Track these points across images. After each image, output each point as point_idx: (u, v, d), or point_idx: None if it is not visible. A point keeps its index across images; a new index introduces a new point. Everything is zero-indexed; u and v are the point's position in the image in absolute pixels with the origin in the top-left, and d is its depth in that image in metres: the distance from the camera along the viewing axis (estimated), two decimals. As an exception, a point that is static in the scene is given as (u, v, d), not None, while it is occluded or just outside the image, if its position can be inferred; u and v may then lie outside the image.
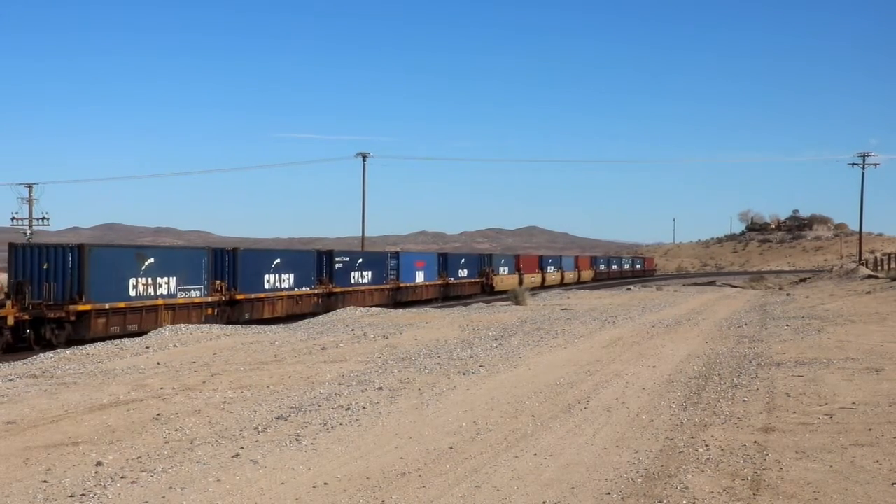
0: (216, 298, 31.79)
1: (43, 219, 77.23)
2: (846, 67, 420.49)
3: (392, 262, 47.49)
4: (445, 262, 55.20)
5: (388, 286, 46.33)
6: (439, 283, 53.66)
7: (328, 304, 39.18)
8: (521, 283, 64.13)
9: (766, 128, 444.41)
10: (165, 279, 29.43)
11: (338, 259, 41.21)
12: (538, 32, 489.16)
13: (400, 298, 46.94)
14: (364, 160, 66.71)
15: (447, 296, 53.75)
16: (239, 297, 33.04)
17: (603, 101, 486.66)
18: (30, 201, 76.50)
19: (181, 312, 30.04)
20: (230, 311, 32.62)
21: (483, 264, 61.53)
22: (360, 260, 44.23)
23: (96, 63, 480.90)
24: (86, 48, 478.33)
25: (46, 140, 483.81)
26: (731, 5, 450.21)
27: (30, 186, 77.00)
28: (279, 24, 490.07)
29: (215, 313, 31.58)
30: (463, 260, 60.00)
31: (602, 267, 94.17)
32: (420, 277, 50.87)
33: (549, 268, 75.54)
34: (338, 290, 40.69)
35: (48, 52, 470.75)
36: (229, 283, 32.71)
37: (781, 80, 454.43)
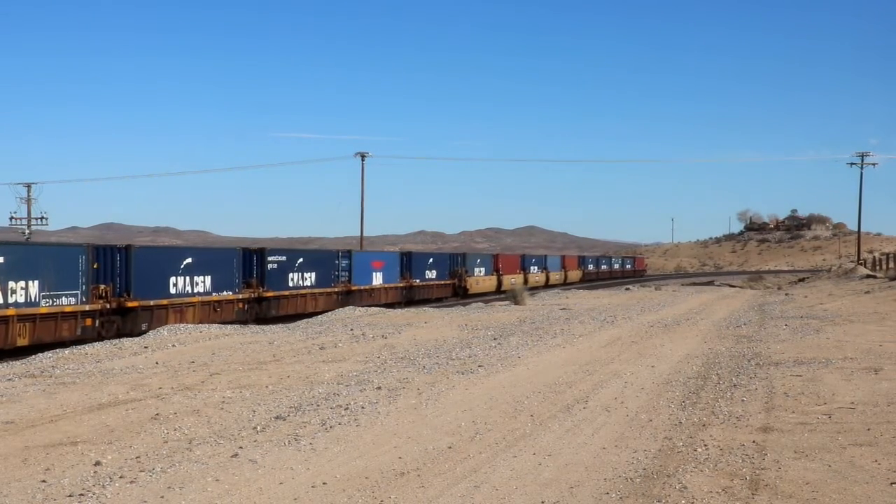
0: (98, 306, 25.24)
1: (42, 218, 77.32)
2: (846, 67, 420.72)
3: (343, 262, 41.85)
4: (409, 263, 49.45)
5: (336, 289, 40.52)
6: (401, 285, 47.88)
7: (258, 310, 33.98)
8: (499, 284, 60.90)
9: (766, 128, 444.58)
10: (22, 283, 22.79)
11: (271, 258, 35.44)
12: (538, 32, 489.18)
13: (351, 303, 40.68)
14: (363, 160, 66.77)
15: (411, 300, 47.99)
16: (131, 304, 26.60)
17: (603, 101, 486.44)
18: (28, 201, 76.54)
19: (43, 325, 23.36)
20: (119, 322, 26.43)
21: (455, 264, 55.86)
22: (301, 259, 38.19)
23: (96, 63, 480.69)
24: (86, 48, 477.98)
25: (45, 140, 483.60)
26: (730, 5, 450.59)
27: (28, 186, 77.10)
28: (279, 24, 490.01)
29: (96, 324, 25.23)
30: (431, 259, 53.93)
31: (591, 267, 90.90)
32: (378, 279, 45.32)
33: (532, 268, 70.93)
34: (270, 294, 34.70)
35: (48, 52, 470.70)
36: (119, 286, 26.48)
37: (781, 80, 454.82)
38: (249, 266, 34.13)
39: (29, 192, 76.72)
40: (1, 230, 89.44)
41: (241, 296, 32.80)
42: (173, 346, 20.35)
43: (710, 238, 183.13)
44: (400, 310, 35.75)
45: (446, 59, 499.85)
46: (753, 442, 9.38)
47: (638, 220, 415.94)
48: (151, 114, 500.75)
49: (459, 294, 54.51)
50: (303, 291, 37.59)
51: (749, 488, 7.68)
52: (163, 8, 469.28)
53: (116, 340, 21.86)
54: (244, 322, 30.41)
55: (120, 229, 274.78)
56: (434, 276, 52.43)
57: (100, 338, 24.49)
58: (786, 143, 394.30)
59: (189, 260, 30.13)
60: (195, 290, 30.01)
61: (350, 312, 32.36)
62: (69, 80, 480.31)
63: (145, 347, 19.99)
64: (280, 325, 27.66)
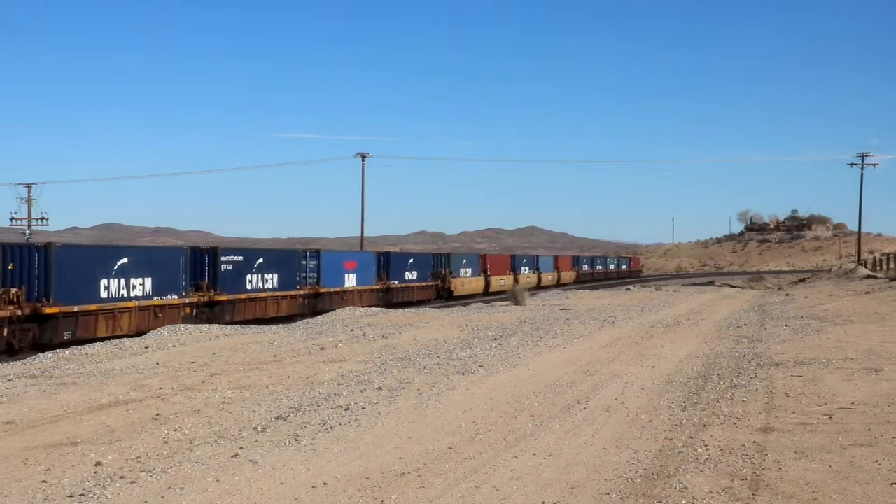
0: (6, 313, 22.25)
1: (42, 219, 77.44)
2: (846, 67, 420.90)
3: (311, 263, 38.65)
4: (387, 263, 46.32)
5: (302, 292, 37.37)
6: (378, 287, 44.77)
7: (209, 315, 30.83)
8: (487, 286, 58.76)
9: (766, 128, 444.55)
10: None
11: (226, 259, 32.17)
12: (539, 32, 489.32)
13: (321, 307, 38.10)
14: (363, 160, 66.78)
15: (389, 303, 44.34)
16: (50, 310, 23.56)
17: (603, 101, 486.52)
18: (29, 201, 76.67)
19: None
20: (36, 330, 23.50)
21: (439, 265, 53.06)
22: (261, 260, 34.81)
23: (96, 63, 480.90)
24: (86, 48, 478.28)
25: (46, 140, 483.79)
26: (730, 5, 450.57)
27: (29, 186, 77.25)
28: (279, 24, 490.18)
29: (5, 332, 22.36)
30: (411, 260, 50.81)
31: (585, 267, 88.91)
32: (350, 281, 42.06)
33: (522, 269, 68.27)
34: (224, 297, 31.53)
35: (48, 52, 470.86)
36: (36, 290, 23.54)
37: (781, 79, 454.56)
38: (200, 267, 31.03)
39: (29, 192, 76.90)
40: (1, 230, 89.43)
41: (188, 300, 29.61)
42: (173, 346, 20.36)
43: (711, 238, 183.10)
44: (401, 310, 35.71)
45: (447, 60, 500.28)
46: (754, 442, 9.38)
47: (638, 221, 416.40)
48: (151, 114, 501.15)
49: (443, 297, 52.03)
50: (262, 295, 34.37)
51: (749, 489, 7.68)
52: (163, 8, 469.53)
53: (117, 341, 21.85)
54: None
55: (120, 229, 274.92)
56: (415, 278, 49.55)
57: (10, 349, 22.31)
58: (786, 143, 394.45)
59: (124, 260, 26.92)
60: (132, 294, 26.90)
61: (350, 312, 32.37)
62: (69, 80, 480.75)
63: (146, 348, 20.00)
64: (280, 326, 27.66)
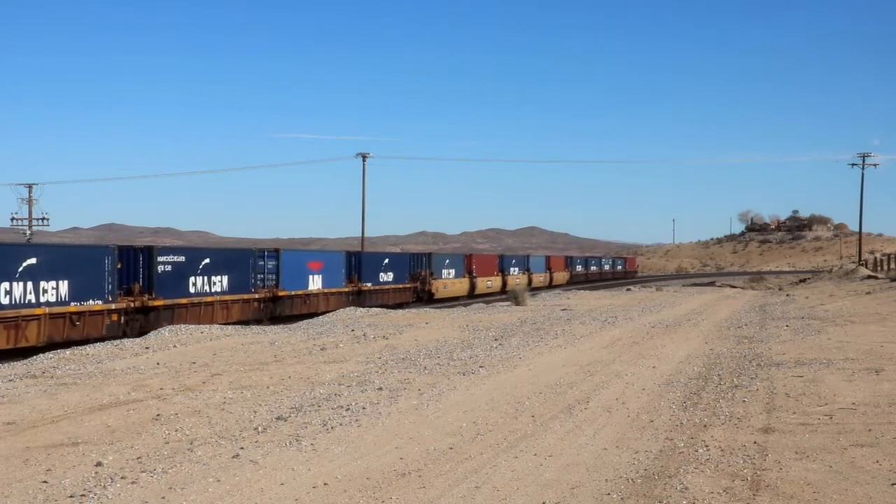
0: None
1: (43, 219, 77.40)
2: (847, 67, 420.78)
3: (270, 263, 35.27)
4: (359, 264, 42.88)
5: (257, 296, 33.92)
6: (347, 290, 41.28)
7: (143, 323, 27.46)
8: (472, 288, 55.80)
9: (766, 128, 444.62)
10: None
11: (163, 259, 28.76)
12: (538, 32, 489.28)
13: (280, 312, 34.98)
14: (364, 160, 66.79)
15: (361, 307, 39.58)
16: None
17: (603, 101, 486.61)
18: (29, 202, 76.63)
19: None
20: None
21: (418, 266, 49.89)
22: (207, 260, 31.16)
23: (96, 63, 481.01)
24: (86, 48, 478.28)
25: (46, 140, 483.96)
26: (730, 5, 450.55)
27: (29, 187, 77.21)
28: (279, 24, 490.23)
29: None
30: (386, 260, 47.06)
31: (579, 268, 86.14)
32: (316, 283, 38.75)
33: (511, 269, 64.92)
34: (159, 303, 28.07)
35: (48, 52, 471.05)
36: None
37: (781, 80, 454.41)
38: (133, 269, 27.73)
39: (30, 192, 76.86)
40: (2, 231, 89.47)
41: (114, 306, 26.19)
42: (174, 346, 20.36)
43: (712, 239, 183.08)
44: (401, 311, 35.70)
45: (447, 59, 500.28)
46: (755, 442, 9.38)
47: (639, 221, 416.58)
48: (152, 114, 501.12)
49: (423, 299, 48.67)
50: (209, 299, 30.76)
51: (750, 489, 7.68)
52: (162, 8, 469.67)
53: (118, 341, 21.82)
54: (114, 337, 24.50)
55: (121, 230, 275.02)
56: (390, 280, 46.21)
57: None
58: (787, 143, 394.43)
59: (32, 261, 23.68)
60: (41, 300, 23.64)
61: (351, 313, 32.35)
62: (69, 80, 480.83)
63: (146, 348, 20.00)
64: (280, 326, 27.62)
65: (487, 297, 54.01)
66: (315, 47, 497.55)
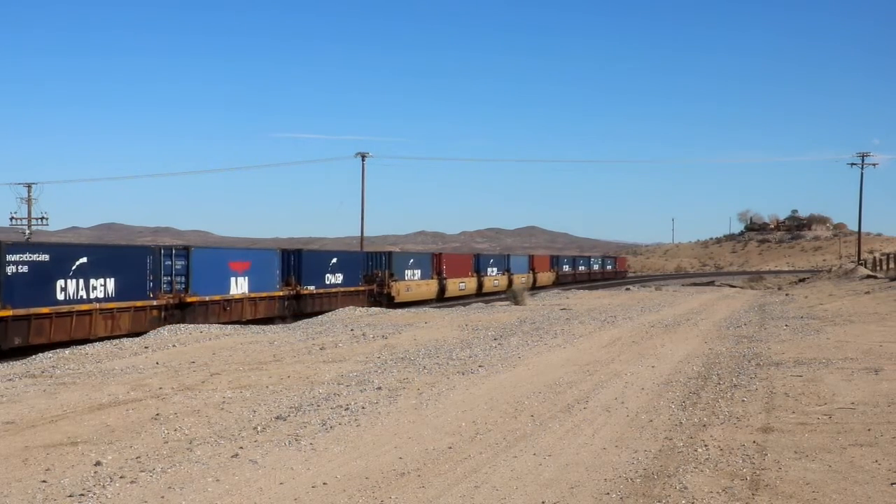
0: None
1: (42, 219, 77.39)
2: (847, 67, 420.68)
3: (179, 264, 29.98)
4: (298, 263, 37.59)
5: (156, 302, 28.43)
6: (282, 294, 36.23)
7: None
8: (442, 290, 51.11)
9: (766, 128, 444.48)
10: None
11: (17, 258, 23.25)
12: (539, 32, 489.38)
13: (191, 320, 29.05)
14: (363, 160, 66.80)
15: (301, 314, 36.15)
16: None
17: (603, 101, 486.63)
18: (29, 201, 76.61)
19: None
20: None
21: (375, 266, 45.21)
22: (84, 260, 25.70)
23: (96, 63, 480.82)
24: (86, 48, 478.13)
25: (45, 140, 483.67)
26: (731, 5, 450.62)
27: (29, 186, 77.18)
28: (279, 24, 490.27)
29: None
30: (335, 260, 41.37)
31: (566, 268, 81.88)
32: (240, 286, 33.49)
33: (489, 270, 60.29)
34: (8, 313, 22.49)
35: (48, 52, 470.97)
36: None
37: (781, 80, 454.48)
38: None
39: (29, 192, 76.84)
40: (1, 230, 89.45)
41: None
42: (173, 346, 20.36)
43: (711, 238, 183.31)
44: (401, 310, 35.69)
45: (447, 59, 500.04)
46: (754, 442, 9.38)
47: (639, 221, 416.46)
48: (151, 114, 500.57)
49: (382, 303, 43.11)
50: (85, 307, 25.33)
51: (749, 488, 7.68)
52: (162, 8, 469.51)
53: (117, 340, 21.82)
54: None
55: (120, 230, 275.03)
56: (339, 282, 41.04)
57: None
58: (786, 143, 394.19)
59: None
60: None
61: (350, 313, 32.37)
62: (69, 80, 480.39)
63: (145, 347, 20.00)
64: (280, 326, 27.61)
65: (459, 299, 50.90)
66: (315, 47, 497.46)
